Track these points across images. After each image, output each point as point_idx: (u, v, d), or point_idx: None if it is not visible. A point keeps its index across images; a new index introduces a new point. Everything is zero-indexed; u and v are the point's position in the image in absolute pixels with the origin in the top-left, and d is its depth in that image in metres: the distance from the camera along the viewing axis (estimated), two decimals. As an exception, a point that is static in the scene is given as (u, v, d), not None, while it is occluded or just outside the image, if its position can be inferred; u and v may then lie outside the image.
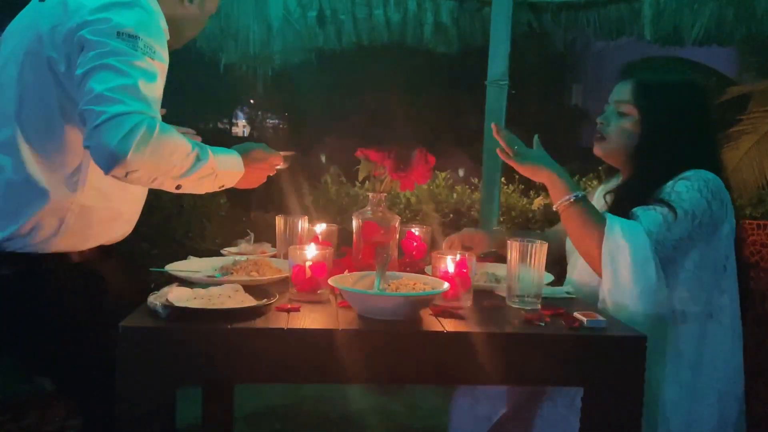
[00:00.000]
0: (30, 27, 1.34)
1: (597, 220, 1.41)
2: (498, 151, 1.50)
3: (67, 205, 1.35)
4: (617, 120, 1.58)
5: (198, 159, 1.30)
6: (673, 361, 1.43)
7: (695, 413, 1.44)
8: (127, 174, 1.21)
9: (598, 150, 1.63)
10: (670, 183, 1.47)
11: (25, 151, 1.31)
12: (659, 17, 3.18)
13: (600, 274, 1.43)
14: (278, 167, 1.57)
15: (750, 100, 5.08)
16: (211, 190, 1.41)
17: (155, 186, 1.32)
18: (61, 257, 1.38)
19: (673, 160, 1.51)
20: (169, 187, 1.33)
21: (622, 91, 1.58)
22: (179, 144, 1.27)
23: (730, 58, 7.86)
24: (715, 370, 1.46)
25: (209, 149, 1.34)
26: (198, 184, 1.36)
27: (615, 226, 1.39)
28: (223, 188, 1.43)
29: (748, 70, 7.59)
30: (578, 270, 1.61)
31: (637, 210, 1.46)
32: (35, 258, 1.35)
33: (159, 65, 1.30)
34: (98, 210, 1.40)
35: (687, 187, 1.44)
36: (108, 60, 1.20)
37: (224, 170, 1.38)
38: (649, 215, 1.42)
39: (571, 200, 1.43)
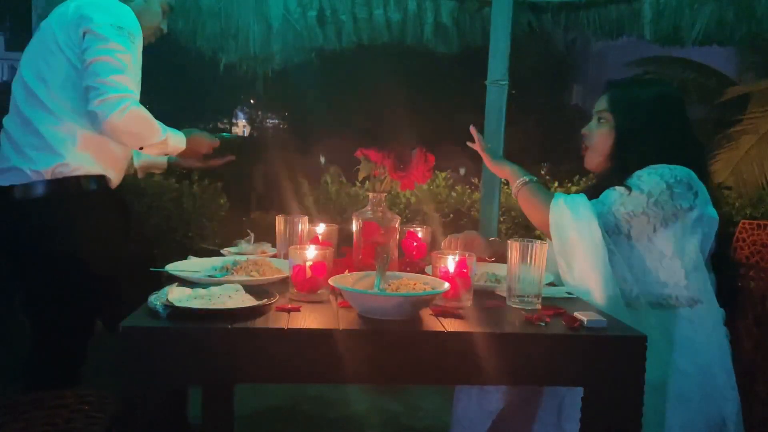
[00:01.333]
0: (47, 20, 1.86)
1: (546, 197, 1.60)
2: (476, 147, 1.78)
3: (89, 139, 1.80)
4: (597, 128, 1.72)
5: (160, 134, 1.82)
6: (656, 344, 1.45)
7: (688, 389, 1.47)
8: (113, 133, 1.74)
9: (586, 163, 1.78)
10: (638, 171, 1.58)
11: (53, 103, 1.77)
12: (659, 17, 3.18)
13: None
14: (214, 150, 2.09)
15: (750, 100, 5.08)
16: (158, 154, 1.96)
17: (125, 143, 1.83)
18: (96, 179, 1.84)
19: (644, 157, 1.61)
20: (134, 146, 1.85)
21: (601, 102, 1.73)
22: (151, 120, 1.79)
23: (730, 58, 7.86)
24: (706, 351, 1.50)
25: (166, 129, 1.85)
26: (151, 150, 1.87)
27: (559, 197, 1.57)
28: (165, 154, 1.99)
29: (748, 70, 7.59)
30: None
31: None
32: (74, 179, 1.80)
33: (137, 50, 1.80)
34: (107, 144, 1.84)
35: (649, 172, 1.56)
36: (108, 53, 1.71)
37: (172, 144, 1.90)
38: (607, 192, 1.58)
39: (525, 181, 1.64)
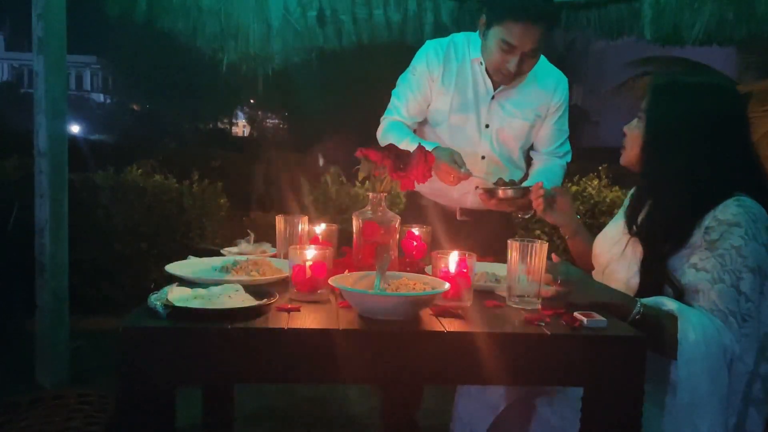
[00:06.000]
0: None
1: (665, 326, 1.32)
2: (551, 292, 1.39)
3: None
4: (634, 127, 1.54)
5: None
6: None
7: None
8: None
9: (621, 159, 1.59)
10: (714, 224, 1.35)
11: None
12: (659, 17, 3.18)
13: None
14: None
15: (750, 99, 5.08)
16: None
17: None
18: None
19: (677, 179, 1.42)
20: None
21: (645, 100, 1.52)
22: (383, 137, 2.12)
23: (730, 58, 7.86)
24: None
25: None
26: None
27: (689, 333, 1.28)
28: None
29: (748, 70, 7.60)
30: (605, 278, 1.57)
31: (702, 284, 1.34)
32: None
33: (416, 77, 2.15)
34: None
35: (742, 236, 1.32)
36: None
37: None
38: (721, 292, 1.32)
39: (636, 318, 1.34)
